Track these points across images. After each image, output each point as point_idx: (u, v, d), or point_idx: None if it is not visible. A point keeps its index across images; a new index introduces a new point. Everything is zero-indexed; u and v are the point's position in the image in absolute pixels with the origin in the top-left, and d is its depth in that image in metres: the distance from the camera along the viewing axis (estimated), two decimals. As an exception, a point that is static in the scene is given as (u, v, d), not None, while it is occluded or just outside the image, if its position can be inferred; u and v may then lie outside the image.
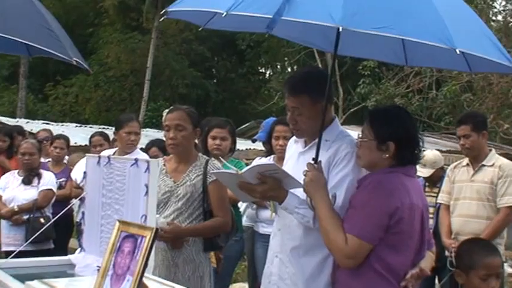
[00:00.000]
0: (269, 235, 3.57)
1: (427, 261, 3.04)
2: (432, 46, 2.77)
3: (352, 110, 23.24)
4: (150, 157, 6.07)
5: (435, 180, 6.44)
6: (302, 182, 3.03)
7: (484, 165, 5.50)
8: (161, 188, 4.03)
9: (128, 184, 3.30)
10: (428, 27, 2.80)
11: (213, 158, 4.25)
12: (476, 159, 5.54)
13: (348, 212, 2.95)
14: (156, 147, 6.42)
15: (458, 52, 2.71)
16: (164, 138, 4.34)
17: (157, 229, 2.48)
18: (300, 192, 3.08)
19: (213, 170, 4.01)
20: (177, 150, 4.10)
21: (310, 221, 3.07)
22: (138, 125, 6.03)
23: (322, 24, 2.74)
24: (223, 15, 2.84)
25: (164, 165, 4.18)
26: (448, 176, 5.81)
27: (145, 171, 3.17)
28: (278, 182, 3.07)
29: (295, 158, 3.37)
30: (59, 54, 3.90)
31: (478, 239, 3.60)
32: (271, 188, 3.06)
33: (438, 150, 7.79)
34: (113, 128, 6.03)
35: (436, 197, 6.10)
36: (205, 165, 4.08)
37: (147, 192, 3.14)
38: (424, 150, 3.12)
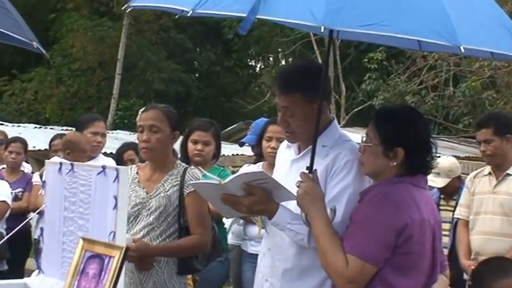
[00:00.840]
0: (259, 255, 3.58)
1: (440, 286, 3.05)
2: None
3: (356, 109, 23.29)
4: (126, 161, 6.10)
5: (451, 192, 6.46)
6: (295, 194, 3.04)
7: (509, 175, 5.51)
8: (132, 200, 4.03)
9: (93, 196, 3.30)
10: (428, 22, 2.79)
11: (192, 166, 4.25)
12: (500, 168, 5.55)
13: (348, 229, 2.96)
14: (133, 151, 6.42)
15: (462, 50, 2.73)
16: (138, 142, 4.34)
17: (127, 248, 2.48)
18: (293, 205, 3.09)
19: (191, 180, 4.01)
20: (150, 155, 4.10)
21: (304, 239, 3.08)
22: (104, 125, 6.03)
23: (304, 24, 2.75)
24: (188, 14, 2.88)
25: (137, 173, 4.19)
26: (467, 186, 5.82)
27: (114, 181, 3.18)
28: (268, 193, 3.08)
29: (287, 166, 3.37)
30: (16, 36, 3.84)
31: (496, 258, 3.61)
32: (259, 200, 3.06)
33: (455, 156, 7.84)
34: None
35: (453, 211, 6.11)
36: (182, 175, 4.08)
37: (116, 205, 3.14)
38: (438, 157, 3.13)
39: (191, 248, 4.07)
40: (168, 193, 4.03)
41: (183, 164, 4.27)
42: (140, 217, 4.04)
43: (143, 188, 4.10)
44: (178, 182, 4.06)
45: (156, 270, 3.99)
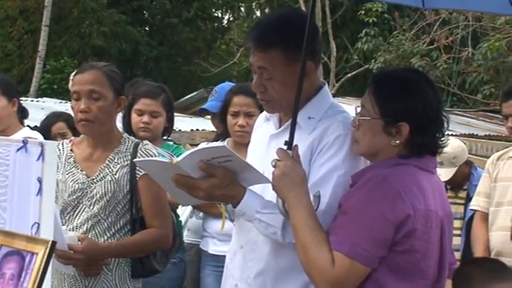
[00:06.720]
0: (223, 256, 3.60)
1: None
2: None
3: (349, 74, 23.35)
4: (55, 136, 6.09)
5: (460, 181, 6.44)
6: (271, 177, 3.04)
7: (542, 157, 5.56)
8: (69, 186, 4.04)
9: (12, 178, 3.28)
10: None
11: (146, 142, 4.22)
12: (530, 148, 5.60)
13: (336, 220, 2.98)
14: (64, 123, 6.39)
15: None
16: (72, 112, 4.31)
17: (54, 242, 2.48)
18: (271, 192, 3.09)
19: (144, 157, 3.99)
20: (91, 129, 4.08)
21: (278, 233, 3.10)
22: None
23: None
24: None
25: (72, 150, 4.18)
26: (487, 171, 5.82)
27: (38, 159, 3.15)
28: (232, 174, 3.08)
29: (265, 143, 3.39)
30: None
31: (489, 259, 3.65)
32: (220, 183, 3.06)
33: (472, 135, 7.89)
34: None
35: (464, 204, 6.16)
36: (133, 152, 4.08)
37: (40, 190, 3.12)
38: (450, 135, 3.15)
39: (149, 244, 4.07)
40: (116, 176, 4.04)
41: (132, 138, 4.27)
42: (81, 207, 4.04)
43: (82, 170, 4.09)
44: (128, 162, 4.06)
45: (106, 273, 3.99)
